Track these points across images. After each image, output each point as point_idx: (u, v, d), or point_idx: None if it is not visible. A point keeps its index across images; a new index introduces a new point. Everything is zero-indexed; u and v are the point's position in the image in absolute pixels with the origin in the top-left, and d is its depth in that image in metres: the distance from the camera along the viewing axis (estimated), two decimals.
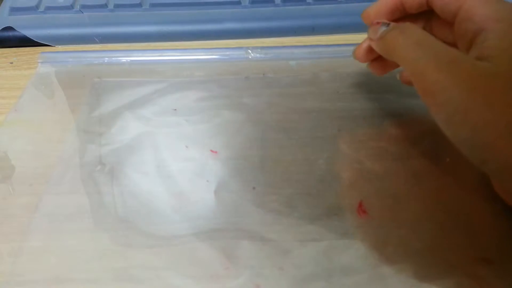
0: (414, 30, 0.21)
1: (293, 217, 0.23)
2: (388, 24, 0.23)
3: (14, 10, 0.35)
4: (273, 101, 0.29)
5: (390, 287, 0.20)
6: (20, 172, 0.26)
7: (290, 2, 0.35)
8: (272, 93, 0.30)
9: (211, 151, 0.27)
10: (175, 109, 0.29)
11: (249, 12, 0.35)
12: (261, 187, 0.25)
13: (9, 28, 0.34)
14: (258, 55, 0.33)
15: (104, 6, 0.35)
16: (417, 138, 0.27)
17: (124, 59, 0.33)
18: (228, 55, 0.33)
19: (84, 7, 0.35)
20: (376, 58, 0.26)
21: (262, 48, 0.33)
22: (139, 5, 0.35)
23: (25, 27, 0.34)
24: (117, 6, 0.35)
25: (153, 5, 0.35)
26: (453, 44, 0.21)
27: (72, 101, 0.30)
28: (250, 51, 0.33)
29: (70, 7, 0.35)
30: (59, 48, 0.35)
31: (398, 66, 0.26)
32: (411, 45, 0.20)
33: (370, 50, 0.25)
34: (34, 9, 0.35)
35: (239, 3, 0.35)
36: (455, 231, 0.22)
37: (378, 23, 0.24)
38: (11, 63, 0.34)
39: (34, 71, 0.32)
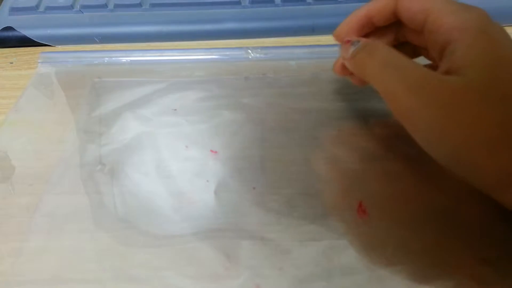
0: (381, 51, 0.21)
1: (293, 217, 0.23)
2: (358, 42, 0.23)
3: (14, 10, 0.35)
4: (273, 101, 0.29)
5: None
6: (20, 172, 0.26)
7: (290, 2, 0.35)
8: (272, 93, 0.30)
9: (211, 151, 0.27)
10: (175, 109, 0.29)
11: (249, 12, 0.35)
12: (261, 187, 0.25)
13: (9, 28, 0.34)
14: (258, 55, 0.33)
15: (104, 6, 0.35)
16: None
17: (124, 59, 0.33)
18: (228, 55, 0.33)
19: (84, 7, 0.35)
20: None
21: (262, 48, 0.33)
22: (139, 5, 0.35)
23: (25, 27, 0.34)
24: (117, 6, 0.35)
25: (153, 5, 0.35)
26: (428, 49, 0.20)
27: (72, 101, 0.30)
28: (250, 51, 0.33)
29: (70, 7, 0.35)
30: (59, 48, 0.35)
31: None
32: (379, 66, 0.20)
33: (345, 65, 0.25)
34: (34, 9, 0.35)
35: (239, 3, 0.35)
36: (455, 231, 0.22)
37: (348, 41, 0.23)
38: (11, 63, 0.34)
39: (34, 71, 0.32)
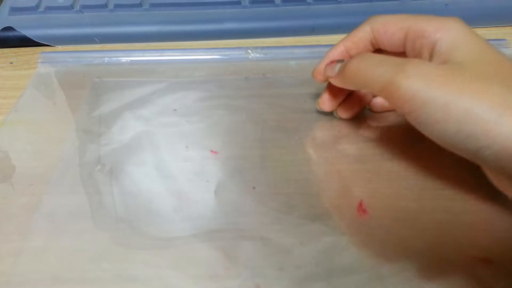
0: (371, 55, 0.22)
1: (293, 217, 0.23)
2: (343, 60, 0.24)
3: (14, 10, 0.35)
4: (273, 101, 0.29)
5: (390, 287, 0.20)
6: (20, 172, 0.26)
7: (290, 2, 0.35)
8: (272, 93, 0.30)
9: (211, 151, 0.27)
10: (175, 109, 0.29)
11: (249, 12, 0.35)
12: (261, 187, 0.25)
13: (9, 28, 0.34)
14: (258, 55, 0.33)
15: (104, 6, 0.35)
16: (419, 138, 0.26)
17: (124, 59, 0.33)
18: (228, 55, 0.33)
19: (84, 7, 0.35)
20: (340, 104, 0.27)
21: (262, 48, 0.33)
22: (139, 5, 0.35)
23: (25, 27, 0.34)
24: (117, 6, 0.35)
25: (153, 5, 0.35)
26: None
27: (72, 101, 0.30)
28: (250, 51, 0.33)
29: (70, 7, 0.35)
30: (59, 48, 0.35)
31: (363, 107, 0.28)
32: (374, 65, 0.21)
33: (332, 97, 0.27)
34: (34, 9, 0.35)
35: (239, 3, 0.35)
36: (455, 230, 0.22)
37: (332, 62, 0.25)
38: (11, 63, 0.34)
39: (34, 71, 0.32)
